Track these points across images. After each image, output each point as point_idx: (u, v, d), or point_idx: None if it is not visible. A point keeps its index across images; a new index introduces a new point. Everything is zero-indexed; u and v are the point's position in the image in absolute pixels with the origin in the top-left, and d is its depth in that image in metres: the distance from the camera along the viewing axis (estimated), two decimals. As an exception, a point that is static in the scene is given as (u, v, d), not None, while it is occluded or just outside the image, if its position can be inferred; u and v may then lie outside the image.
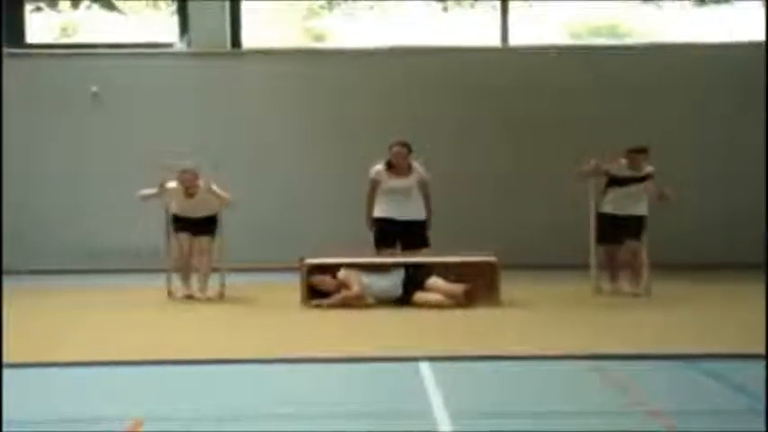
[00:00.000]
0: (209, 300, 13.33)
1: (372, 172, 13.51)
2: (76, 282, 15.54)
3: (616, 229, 13.44)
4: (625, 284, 13.58)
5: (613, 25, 18.37)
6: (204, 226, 13.63)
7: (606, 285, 13.61)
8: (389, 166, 13.46)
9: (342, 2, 18.62)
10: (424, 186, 13.57)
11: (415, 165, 13.60)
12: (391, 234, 13.38)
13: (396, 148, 13.47)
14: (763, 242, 16.11)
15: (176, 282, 13.68)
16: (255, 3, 17.89)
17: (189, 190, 13.46)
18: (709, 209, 16.80)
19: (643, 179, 13.46)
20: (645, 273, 13.41)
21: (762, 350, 9.47)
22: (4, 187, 16.79)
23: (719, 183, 16.96)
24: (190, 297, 13.44)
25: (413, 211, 13.43)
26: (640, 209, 13.49)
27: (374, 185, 13.48)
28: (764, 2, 17.14)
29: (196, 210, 13.59)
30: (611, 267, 13.64)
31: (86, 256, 16.62)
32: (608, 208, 13.50)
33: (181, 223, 13.62)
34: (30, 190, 16.99)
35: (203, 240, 13.60)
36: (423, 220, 13.51)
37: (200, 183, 13.53)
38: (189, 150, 14.29)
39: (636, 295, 13.25)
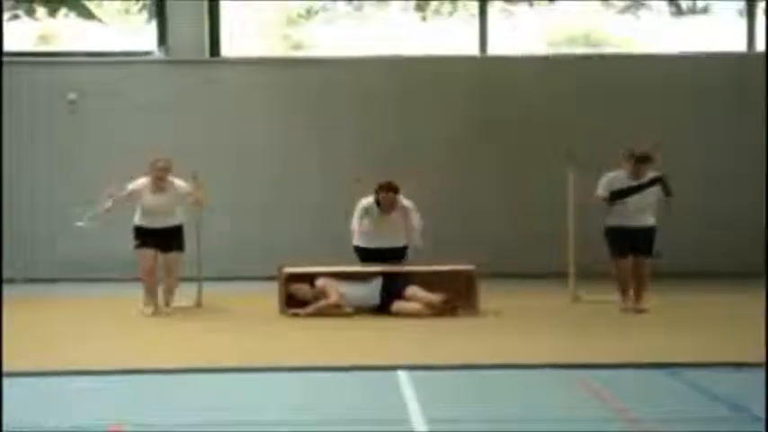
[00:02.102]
0: (181, 309, 13.17)
1: (362, 205, 13.38)
2: (56, 291, 15.47)
3: (628, 241, 12.90)
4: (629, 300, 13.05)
5: (588, 34, 18.43)
6: (170, 239, 13.06)
7: (617, 299, 13.06)
8: (378, 204, 13.30)
9: (321, 11, 18.64)
10: (408, 216, 13.36)
11: (404, 203, 13.40)
12: (374, 257, 13.31)
13: (384, 195, 13.20)
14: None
15: (143, 298, 13.17)
16: (234, 11, 17.87)
17: (160, 181, 12.99)
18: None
19: (647, 186, 12.91)
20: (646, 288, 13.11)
21: (745, 359, 9.53)
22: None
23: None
24: (156, 314, 12.92)
25: (398, 239, 13.38)
26: (648, 219, 13.04)
27: (362, 216, 13.37)
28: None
29: (165, 213, 13.09)
30: (625, 282, 13.05)
31: (75, 265, 16.53)
32: (615, 221, 12.97)
33: (146, 237, 13.05)
34: (6, 198, 16.90)
35: (171, 258, 13.08)
36: (404, 246, 13.42)
37: (172, 179, 13.14)
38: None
39: (640, 311, 12.81)
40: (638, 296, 12.99)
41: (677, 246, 14.76)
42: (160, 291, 13.14)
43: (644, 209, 12.96)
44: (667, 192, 12.86)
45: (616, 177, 12.93)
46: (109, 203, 12.97)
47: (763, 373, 8.73)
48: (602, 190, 12.90)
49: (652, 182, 12.85)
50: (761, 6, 17.59)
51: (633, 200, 12.88)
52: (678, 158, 15.43)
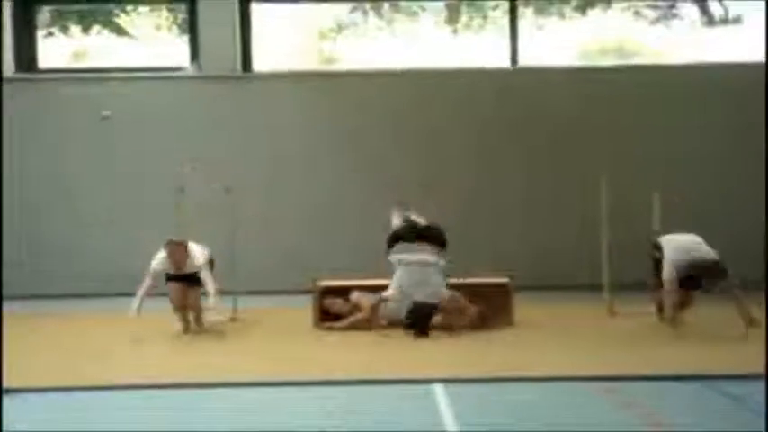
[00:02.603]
0: (214, 323, 13.11)
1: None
2: (89, 306, 15.50)
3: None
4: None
5: (620, 45, 18.41)
6: (194, 279, 12.72)
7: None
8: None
9: (352, 25, 18.70)
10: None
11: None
12: None
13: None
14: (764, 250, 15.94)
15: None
16: (266, 26, 17.94)
17: (178, 266, 12.66)
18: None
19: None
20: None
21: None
22: (18, 208, 16.86)
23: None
24: (187, 331, 12.79)
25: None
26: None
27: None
28: (765, 13, 17.04)
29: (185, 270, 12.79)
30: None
31: (99, 280, 16.58)
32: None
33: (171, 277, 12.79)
34: (42, 213, 17.00)
35: (196, 292, 12.77)
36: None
37: (189, 256, 12.71)
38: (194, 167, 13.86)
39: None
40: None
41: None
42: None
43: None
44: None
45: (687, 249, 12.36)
46: (141, 295, 12.53)
47: None
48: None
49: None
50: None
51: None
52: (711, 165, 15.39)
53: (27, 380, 9.58)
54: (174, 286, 12.64)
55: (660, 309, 12.69)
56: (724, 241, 12.72)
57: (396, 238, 12.97)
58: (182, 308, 12.73)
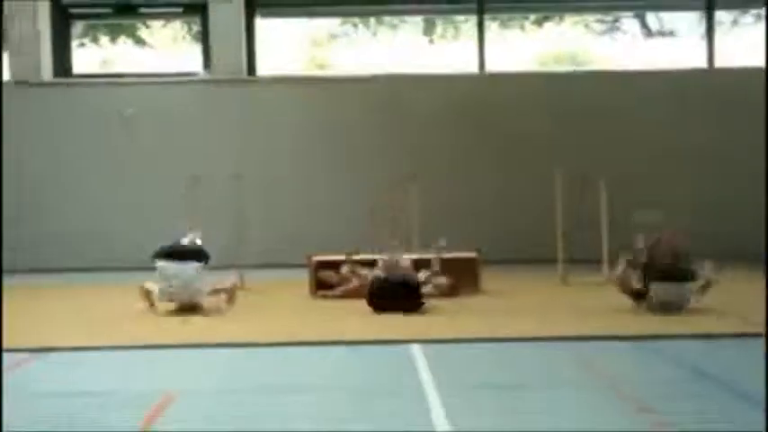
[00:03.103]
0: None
1: None
2: (110, 279, 15.51)
3: None
4: None
5: (573, 55, 18.46)
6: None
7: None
8: None
9: (342, 35, 18.70)
10: None
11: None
12: None
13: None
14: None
15: None
16: (268, 36, 17.93)
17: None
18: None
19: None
20: None
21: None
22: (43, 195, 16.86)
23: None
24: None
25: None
26: None
27: None
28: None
29: None
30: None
31: (121, 258, 16.57)
32: None
33: None
34: (75, 203, 17.00)
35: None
36: None
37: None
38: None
39: None
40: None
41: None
42: None
43: None
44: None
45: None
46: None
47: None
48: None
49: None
50: (719, 30, 17.64)
51: None
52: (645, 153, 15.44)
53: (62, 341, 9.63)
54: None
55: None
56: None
57: None
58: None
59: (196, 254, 11.76)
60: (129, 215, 16.89)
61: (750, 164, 16.58)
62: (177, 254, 11.64)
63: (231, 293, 11.93)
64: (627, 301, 11.28)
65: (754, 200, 16.29)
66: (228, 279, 12.21)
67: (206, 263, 11.72)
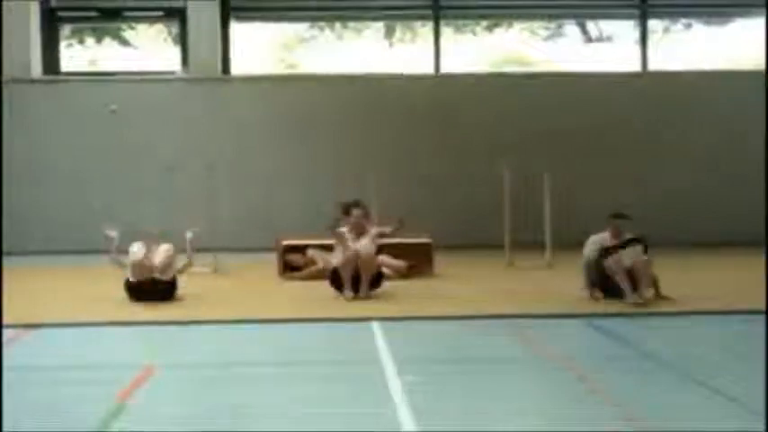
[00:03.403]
0: (200, 274, 12.78)
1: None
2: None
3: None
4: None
5: (519, 58, 18.53)
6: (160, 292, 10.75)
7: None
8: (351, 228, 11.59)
9: (310, 38, 18.66)
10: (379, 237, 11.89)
11: (371, 231, 11.65)
12: None
13: (356, 212, 11.61)
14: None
15: None
16: (241, 38, 17.87)
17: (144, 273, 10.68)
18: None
19: (626, 244, 10.64)
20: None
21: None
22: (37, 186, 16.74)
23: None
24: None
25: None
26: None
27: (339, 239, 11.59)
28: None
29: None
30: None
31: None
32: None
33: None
34: (65, 189, 16.88)
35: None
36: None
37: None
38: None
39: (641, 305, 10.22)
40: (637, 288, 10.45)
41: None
42: None
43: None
44: (645, 250, 10.60)
45: (602, 239, 10.80)
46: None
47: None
48: (589, 251, 10.75)
49: (630, 240, 10.67)
50: (652, 37, 17.78)
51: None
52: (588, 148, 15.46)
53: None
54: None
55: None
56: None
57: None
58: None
59: None
60: (112, 201, 16.76)
61: (693, 154, 16.79)
62: None
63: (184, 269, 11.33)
64: (566, 284, 11.33)
65: (705, 189, 16.68)
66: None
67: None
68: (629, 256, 10.44)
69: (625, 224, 10.86)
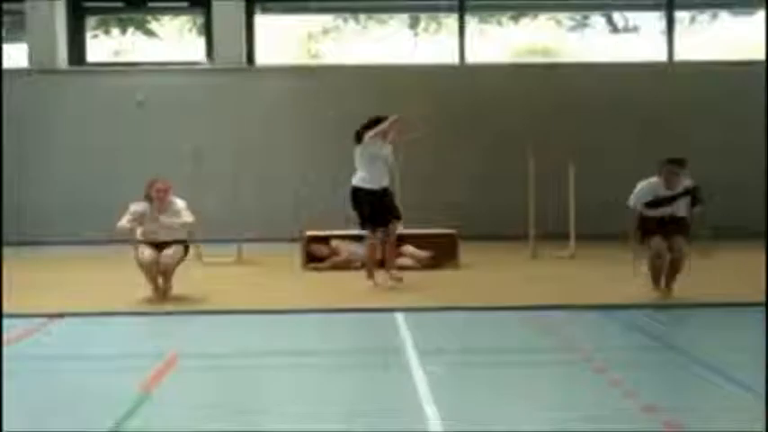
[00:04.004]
0: (224, 264, 12.98)
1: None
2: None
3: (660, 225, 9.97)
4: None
5: (545, 48, 18.45)
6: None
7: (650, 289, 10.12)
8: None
9: (334, 29, 18.65)
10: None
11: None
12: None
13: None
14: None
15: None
16: (266, 29, 17.89)
17: (160, 202, 10.15)
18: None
19: (680, 196, 9.98)
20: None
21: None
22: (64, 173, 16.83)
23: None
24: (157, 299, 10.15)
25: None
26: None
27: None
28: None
29: (159, 235, 10.24)
30: (659, 270, 9.99)
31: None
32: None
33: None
34: (93, 178, 16.97)
35: (165, 255, 10.14)
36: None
37: (172, 198, 10.30)
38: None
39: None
40: (668, 282, 10.05)
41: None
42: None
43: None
44: (695, 202, 10.05)
45: (650, 187, 10.03)
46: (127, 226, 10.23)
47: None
48: (634, 200, 10.06)
49: (685, 192, 9.99)
50: (678, 27, 17.66)
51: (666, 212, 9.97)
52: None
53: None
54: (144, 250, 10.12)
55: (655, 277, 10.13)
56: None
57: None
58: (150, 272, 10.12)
59: None
60: (138, 192, 16.78)
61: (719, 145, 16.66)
62: None
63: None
64: (590, 275, 11.29)
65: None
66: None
67: None
68: (682, 209, 9.90)
69: (681, 171, 9.93)
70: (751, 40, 17.63)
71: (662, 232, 9.86)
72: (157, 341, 8.40)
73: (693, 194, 10.01)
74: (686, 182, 10.02)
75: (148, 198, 10.22)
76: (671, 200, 9.94)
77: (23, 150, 16.81)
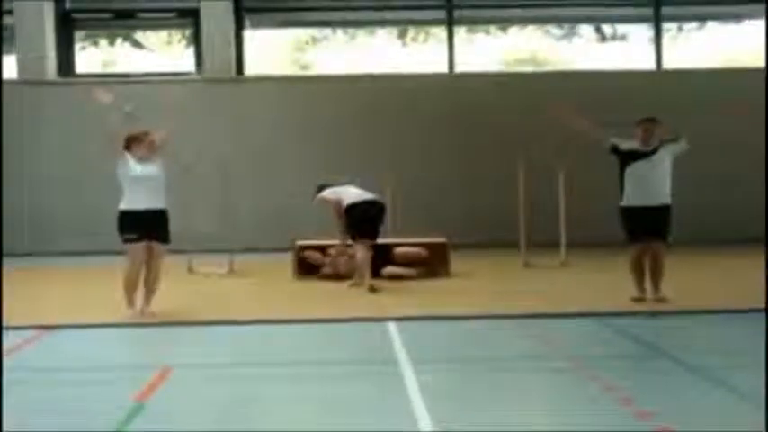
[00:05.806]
0: (216, 274, 13.04)
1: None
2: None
3: (643, 224, 10.00)
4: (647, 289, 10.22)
5: (534, 57, 18.50)
6: (157, 226, 9.92)
7: (634, 292, 10.19)
8: None
9: (323, 39, 18.67)
10: None
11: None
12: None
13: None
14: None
15: (127, 298, 9.80)
16: (255, 40, 17.91)
17: (152, 147, 10.55)
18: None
19: (654, 152, 10.10)
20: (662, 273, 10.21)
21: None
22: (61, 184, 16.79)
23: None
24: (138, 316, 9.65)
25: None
26: (663, 196, 10.10)
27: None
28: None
29: (153, 190, 10.33)
30: (640, 271, 10.18)
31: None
32: (630, 201, 10.08)
33: (135, 226, 9.86)
34: (81, 191, 16.94)
35: (156, 249, 9.89)
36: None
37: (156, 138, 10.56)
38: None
39: (660, 300, 10.03)
40: (655, 285, 10.14)
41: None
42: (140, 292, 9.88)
43: (660, 181, 10.09)
44: (674, 140, 10.25)
45: (630, 143, 10.24)
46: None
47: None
48: (614, 140, 10.34)
49: (660, 145, 10.14)
50: (666, 36, 17.74)
51: (644, 173, 10.06)
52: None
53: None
54: (136, 248, 9.77)
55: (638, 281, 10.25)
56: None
57: None
58: (140, 274, 9.80)
59: None
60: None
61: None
62: None
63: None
64: (581, 283, 11.30)
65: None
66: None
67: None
68: (664, 163, 10.08)
69: (653, 127, 10.16)
70: (738, 47, 17.79)
71: (641, 239, 10.07)
72: (150, 352, 8.39)
73: (668, 141, 10.25)
74: (656, 142, 10.19)
75: (138, 149, 10.62)
76: (647, 155, 10.07)
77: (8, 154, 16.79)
